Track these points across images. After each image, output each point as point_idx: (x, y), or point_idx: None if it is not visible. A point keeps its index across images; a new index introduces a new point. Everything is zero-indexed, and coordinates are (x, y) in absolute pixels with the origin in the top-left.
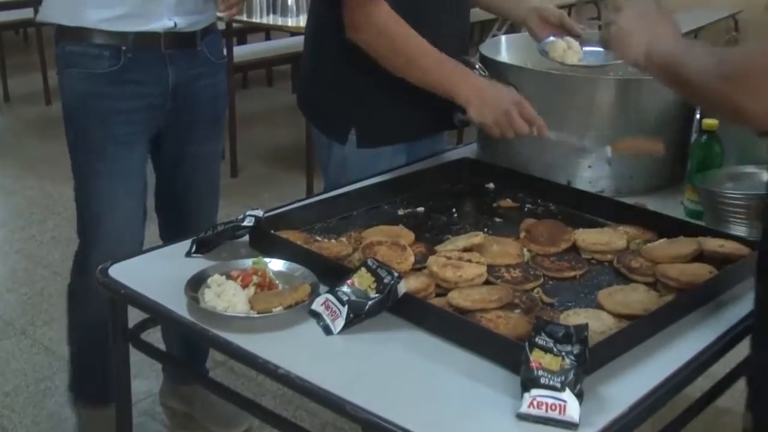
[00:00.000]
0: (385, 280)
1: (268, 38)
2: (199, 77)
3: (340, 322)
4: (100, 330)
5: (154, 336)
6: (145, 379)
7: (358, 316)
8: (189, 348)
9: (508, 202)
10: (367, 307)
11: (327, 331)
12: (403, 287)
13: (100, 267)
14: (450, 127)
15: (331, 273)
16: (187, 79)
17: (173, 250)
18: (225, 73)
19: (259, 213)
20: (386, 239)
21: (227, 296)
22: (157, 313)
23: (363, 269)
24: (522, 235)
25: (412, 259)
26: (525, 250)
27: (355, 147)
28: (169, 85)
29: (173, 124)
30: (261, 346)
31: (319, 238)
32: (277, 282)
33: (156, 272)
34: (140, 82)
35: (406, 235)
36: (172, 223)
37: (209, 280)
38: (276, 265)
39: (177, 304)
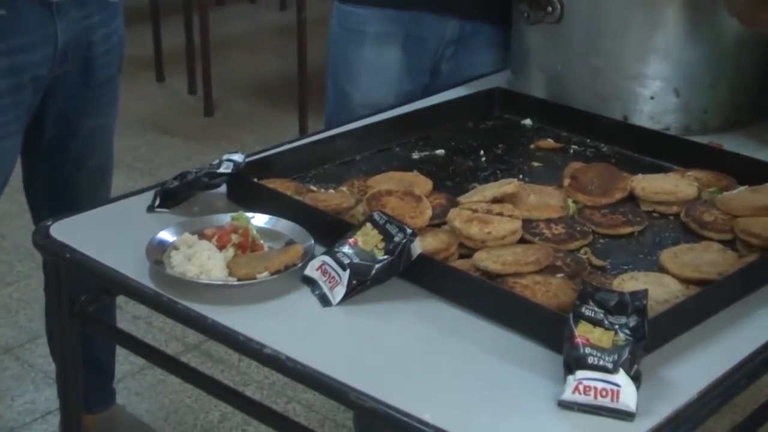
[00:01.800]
0: (396, 239)
1: None
2: (93, 28)
3: (340, 291)
4: None
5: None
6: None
7: (362, 283)
8: (92, 364)
9: (549, 143)
10: (373, 271)
11: (324, 301)
12: (418, 247)
13: (38, 226)
14: (466, 14)
15: (328, 230)
16: (80, 32)
17: (132, 205)
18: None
19: (240, 157)
20: (397, 188)
21: (200, 260)
22: (112, 282)
23: (368, 225)
24: (566, 182)
25: (429, 212)
26: (570, 200)
27: (338, 2)
28: (58, 47)
29: (59, 96)
30: (243, 320)
31: (313, 188)
32: (261, 242)
33: (110, 231)
34: (16, 50)
35: (422, 183)
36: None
37: (177, 241)
38: (260, 221)
39: (137, 270)
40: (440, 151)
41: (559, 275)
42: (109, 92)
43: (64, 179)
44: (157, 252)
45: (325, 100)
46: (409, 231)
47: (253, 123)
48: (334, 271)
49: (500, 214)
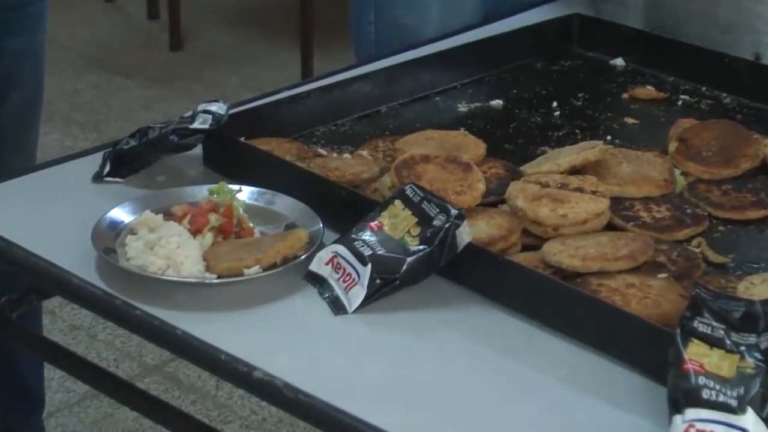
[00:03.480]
0: (436, 222)
1: None
2: None
3: (359, 293)
4: None
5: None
6: None
7: (389, 283)
8: (14, 388)
9: (648, 91)
10: (404, 267)
11: (336, 307)
12: (466, 234)
13: None
14: None
15: (343, 209)
16: None
17: (71, 172)
18: None
19: (221, 108)
20: (438, 152)
21: (166, 249)
22: (43, 278)
23: (398, 203)
24: (673, 146)
25: (482, 186)
26: (677, 172)
27: None
28: None
29: None
30: (224, 333)
31: (323, 151)
32: (251, 225)
33: (42, 208)
34: None
35: (472, 146)
36: None
37: (135, 222)
38: (249, 195)
39: (79, 262)
40: (497, 102)
41: (662, 275)
42: (34, 2)
43: None
44: (108, 237)
45: (351, 35)
46: (453, 212)
47: (237, 60)
48: (351, 266)
49: (580, 189)
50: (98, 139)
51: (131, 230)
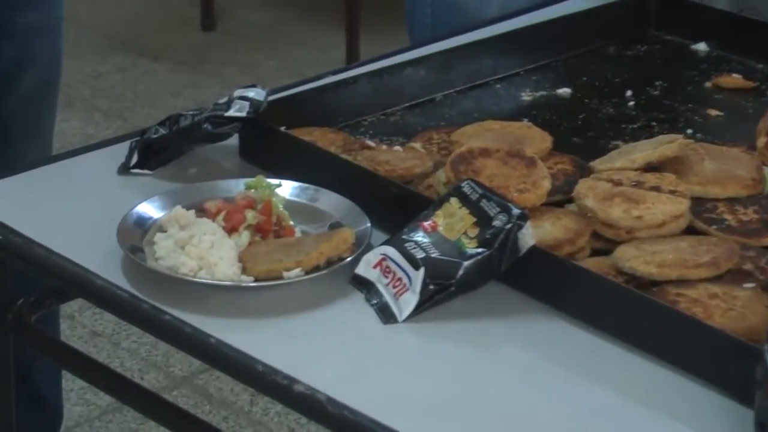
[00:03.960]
0: (496, 223)
1: None
2: None
3: (411, 300)
4: None
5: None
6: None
7: (443, 289)
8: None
9: (734, 79)
10: (460, 271)
11: (385, 315)
12: (529, 236)
13: None
14: None
15: (393, 207)
16: None
17: (94, 163)
18: None
19: (259, 94)
20: (499, 146)
21: (199, 248)
22: (67, 279)
23: (454, 201)
24: (762, 141)
25: (547, 183)
26: (766, 170)
27: None
28: None
29: None
30: (262, 341)
31: (371, 143)
32: (291, 223)
33: (63, 202)
34: None
35: (537, 139)
36: None
37: (165, 219)
38: (290, 191)
39: (103, 261)
40: (564, 90)
41: (749, 285)
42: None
43: None
44: (135, 235)
45: (405, 17)
46: (515, 211)
47: (275, 42)
48: (401, 269)
49: (657, 188)
50: (122, 128)
51: (160, 227)
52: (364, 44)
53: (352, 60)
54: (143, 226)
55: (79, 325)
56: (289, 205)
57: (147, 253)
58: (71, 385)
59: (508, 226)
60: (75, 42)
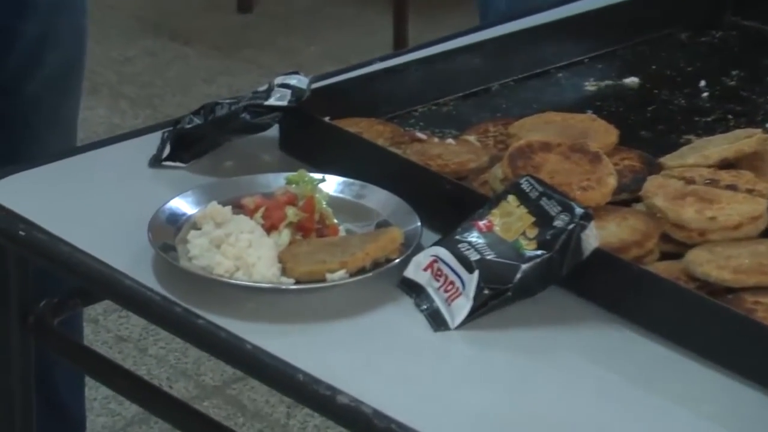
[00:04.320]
0: (557, 223)
1: None
2: None
3: (464, 306)
4: None
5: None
6: None
7: (499, 294)
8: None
9: None
10: (518, 275)
11: (436, 322)
12: (593, 238)
13: None
14: None
15: (445, 205)
16: None
17: (122, 154)
18: None
19: (302, 81)
20: (560, 139)
21: (236, 247)
22: (93, 280)
23: (511, 199)
24: None
25: (613, 180)
26: None
27: None
28: None
29: None
30: (303, 349)
31: (422, 135)
32: (336, 221)
33: (89, 196)
34: None
35: (602, 133)
36: None
37: (199, 215)
38: (334, 187)
39: (132, 260)
40: (632, 80)
41: None
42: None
43: (8, 84)
44: (167, 232)
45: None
46: (578, 211)
47: (316, 26)
48: (454, 272)
49: (733, 187)
50: (151, 117)
51: (194, 224)
52: (412, 28)
53: (400, 45)
54: (176, 223)
55: (104, 329)
56: (333, 201)
57: (180, 252)
58: (94, 393)
59: (570, 226)
60: (100, 24)
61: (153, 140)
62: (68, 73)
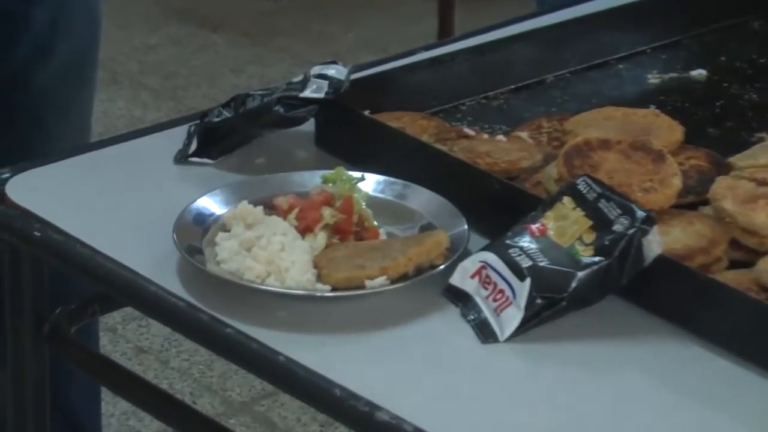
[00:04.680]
0: (617, 227)
1: None
2: None
3: (514, 316)
4: None
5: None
6: None
7: (553, 304)
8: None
9: None
10: (573, 283)
11: (484, 333)
12: (657, 243)
13: None
14: None
15: (494, 207)
16: None
17: (145, 150)
18: None
19: (340, 72)
20: (620, 136)
21: (268, 251)
22: (114, 285)
23: (567, 200)
24: None
25: (678, 181)
26: None
27: None
28: None
29: None
30: (340, 361)
31: (470, 131)
32: (376, 224)
33: (108, 195)
34: None
35: (666, 129)
36: None
37: (228, 216)
38: (375, 186)
39: (155, 264)
40: (699, 72)
41: None
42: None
43: (16, 75)
44: (193, 234)
45: None
46: (640, 214)
47: (354, 12)
48: (504, 280)
49: None
50: (174, 110)
51: (223, 226)
52: (459, 15)
53: (445, 33)
54: (203, 223)
55: (122, 339)
56: (372, 202)
57: (207, 255)
58: (112, 409)
59: (631, 231)
60: (120, 9)
61: (178, 135)
62: (81, 64)
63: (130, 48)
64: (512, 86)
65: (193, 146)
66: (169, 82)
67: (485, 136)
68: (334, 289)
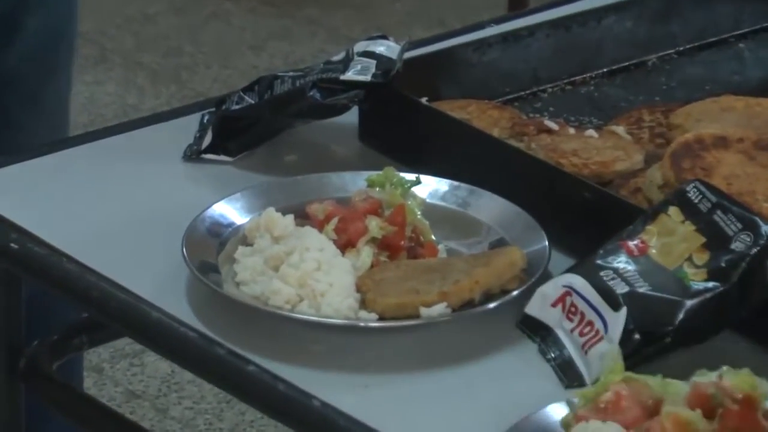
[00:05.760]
0: (736, 245)
1: None
2: None
3: (608, 353)
4: None
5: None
6: None
7: (655, 340)
8: None
9: None
10: (681, 314)
11: (568, 376)
12: None
13: None
14: None
15: (583, 217)
16: None
17: (145, 143)
18: None
19: (392, 48)
20: (742, 132)
21: (300, 270)
22: (106, 310)
23: (674, 211)
24: None
25: None
26: None
27: None
28: None
29: None
30: (388, 407)
31: (552, 124)
32: (434, 238)
33: (103, 203)
34: None
35: None
36: None
37: (251, 226)
38: (433, 191)
39: (160, 285)
40: None
41: None
42: None
43: None
44: (207, 248)
45: None
46: (766, 230)
47: None
48: (594, 310)
49: None
50: (178, 95)
51: (244, 239)
52: None
53: (518, 4)
54: (220, 236)
55: (110, 381)
56: (430, 211)
57: (224, 274)
58: None
59: (755, 250)
60: None
61: (189, 126)
62: (55, 43)
63: (123, 18)
64: (605, 69)
65: (207, 140)
66: (170, 60)
67: (571, 130)
68: (381, 319)
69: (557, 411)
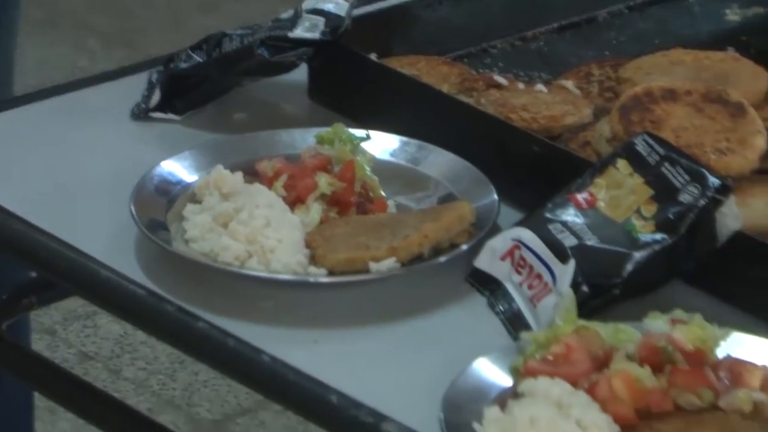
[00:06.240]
0: (684, 197)
1: None
2: None
3: (562, 301)
4: None
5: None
6: None
7: (603, 292)
8: None
9: None
10: (629, 266)
11: (516, 327)
12: (735, 217)
13: None
14: None
15: (531, 171)
16: None
17: (93, 102)
18: None
19: (340, 5)
20: (691, 85)
21: (249, 227)
22: (56, 269)
23: (622, 164)
24: None
25: (762, 141)
26: None
27: None
28: None
29: None
30: (337, 362)
31: (501, 79)
32: (383, 194)
33: (51, 162)
34: None
35: (747, 77)
36: None
37: (200, 184)
38: (382, 148)
39: (110, 243)
40: None
41: None
42: None
43: None
44: (156, 206)
45: None
46: (713, 182)
47: None
48: (543, 263)
49: None
50: (128, 59)
51: (193, 196)
52: None
53: None
54: (168, 193)
55: (63, 343)
56: (380, 167)
57: (173, 232)
58: (50, 428)
59: (702, 202)
60: None
61: (136, 85)
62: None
63: None
64: (555, 24)
65: (155, 98)
66: (120, 23)
67: (521, 85)
68: (331, 274)
69: (506, 358)
